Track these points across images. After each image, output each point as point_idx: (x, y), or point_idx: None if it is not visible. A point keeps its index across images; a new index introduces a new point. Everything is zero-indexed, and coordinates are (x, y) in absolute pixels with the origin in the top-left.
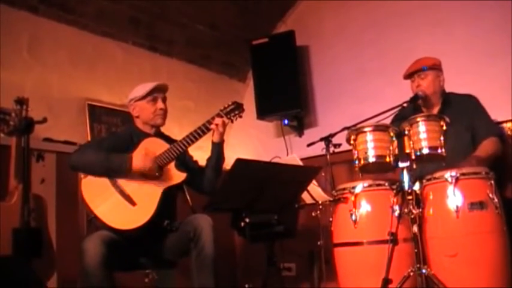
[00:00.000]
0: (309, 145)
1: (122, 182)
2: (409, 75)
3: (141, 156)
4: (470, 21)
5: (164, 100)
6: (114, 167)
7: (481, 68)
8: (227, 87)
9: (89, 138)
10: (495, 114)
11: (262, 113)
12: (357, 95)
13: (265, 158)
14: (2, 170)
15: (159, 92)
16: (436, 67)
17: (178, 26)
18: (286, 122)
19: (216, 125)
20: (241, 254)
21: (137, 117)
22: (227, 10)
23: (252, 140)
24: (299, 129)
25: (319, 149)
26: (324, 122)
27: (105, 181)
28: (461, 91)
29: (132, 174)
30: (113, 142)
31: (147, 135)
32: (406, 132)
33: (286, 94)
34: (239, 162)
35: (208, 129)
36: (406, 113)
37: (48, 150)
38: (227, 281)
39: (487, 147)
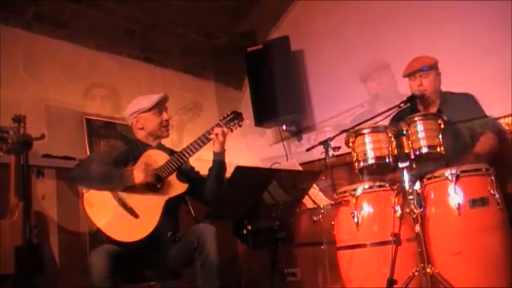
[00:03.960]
0: (308, 149)
1: (123, 194)
2: (409, 74)
3: (141, 170)
4: (466, 16)
5: (166, 111)
6: (116, 181)
7: (479, 64)
8: (224, 95)
9: (88, 153)
10: (493, 110)
11: (260, 119)
12: (353, 97)
13: (265, 164)
14: (2, 188)
15: (163, 103)
16: (435, 66)
17: (172, 36)
18: (284, 127)
19: (216, 134)
20: (245, 260)
21: (141, 128)
22: (221, 18)
23: (251, 147)
24: (297, 134)
25: (318, 153)
26: (322, 126)
27: (107, 194)
28: (459, 88)
29: (135, 187)
30: (114, 155)
31: (149, 146)
32: (405, 132)
33: (283, 99)
34: (239, 169)
35: (208, 140)
36: (404, 113)
37: (47, 167)
38: None
39: (484, 144)
